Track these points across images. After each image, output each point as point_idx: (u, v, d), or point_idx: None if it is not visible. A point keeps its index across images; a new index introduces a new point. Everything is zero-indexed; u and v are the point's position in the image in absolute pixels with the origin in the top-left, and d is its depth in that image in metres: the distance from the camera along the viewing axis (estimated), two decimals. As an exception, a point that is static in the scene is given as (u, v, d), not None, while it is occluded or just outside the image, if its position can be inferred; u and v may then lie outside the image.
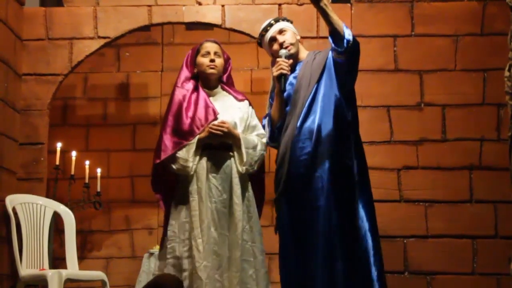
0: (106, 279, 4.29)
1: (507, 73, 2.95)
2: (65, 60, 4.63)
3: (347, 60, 3.12)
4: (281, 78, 3.20)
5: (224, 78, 3.66)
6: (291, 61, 3.26)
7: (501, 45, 4.47)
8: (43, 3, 4.98)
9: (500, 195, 4.35)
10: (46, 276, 3.91)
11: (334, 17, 3.08)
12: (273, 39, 3.33)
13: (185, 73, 3.60)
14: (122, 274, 5.58)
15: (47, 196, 4.64)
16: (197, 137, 3.44)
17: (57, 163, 5.14)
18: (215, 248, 3.36)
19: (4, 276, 4.21)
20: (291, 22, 3.42)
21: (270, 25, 3.36)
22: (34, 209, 4.31)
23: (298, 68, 3.30)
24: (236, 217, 3.39)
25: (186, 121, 3.46)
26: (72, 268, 4.29)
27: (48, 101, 4.61)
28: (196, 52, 3.60)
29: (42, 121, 4.59)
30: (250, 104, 3.64)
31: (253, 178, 3.56)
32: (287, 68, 3.20)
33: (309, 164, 3.11)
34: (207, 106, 3.48)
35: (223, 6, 4.65)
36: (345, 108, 3.17)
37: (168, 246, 3.45)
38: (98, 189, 5.35)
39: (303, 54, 3.36)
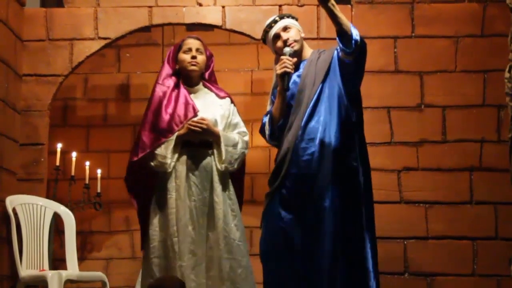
0: (106, 280, 4.29)
1: (507, 74, 2.95)
2: (66, 60, 4.63)
3: (355, 61, 3.10)
4: (284, 77, 3.16)
5: (206, 75, 3.61)
6: (295, 59, 3.22)
7: (501, 47, 4.48)
8: (43, 4, 4.98)
9: (500, 196, 4.35)
10: (46, 277, 3.91)
11: (342, 17, 3.06)
12: (277, 36, 3.30)
13: (166, 69, 3.56)
14: (122, 275, 5.58)
15: (47, 197, 4.64)
16: (176, 134, 3.40)
17: (58, 163, 5.14)
18: (192, 247, 3.31)
19: (4, 277, 4.21)
20: (296, 20, 3.38)
21: (275, 21, 3.33)
22: (34, 210, 4.31)
23: (302, 66, 3.27)
24: (217, 215, 3.36)
25: (165, 118, 3.42)
26: (72, 269, 4.29)
27: (48, 102, 4.61)
28: (178, 48, 3.56)
29: (43, 121, 4.59)
30: (232, 102, 3.60)
31: (233, 176, 3.52)
32: (291, 67, 3.16)
33: (313, 165, 3.09)
34: (187, 103, 3.44)
35: (223, 7, 4.65)
36: (350, 109, 3.15)
37: (151, 245, 3.40)
38: (99, 190, 5.34)
39: (307, 52, 3.33)
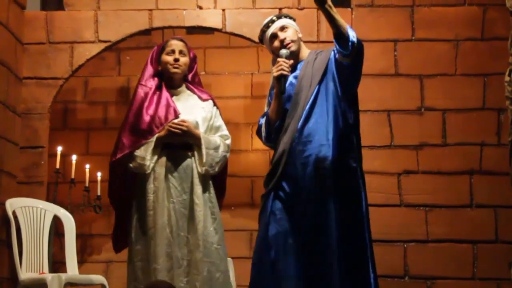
0: (106, 283, 4.28)
1: (507, 78, 2.95)
2: (66, 63, 4.64)
3: (352, 63, 3.09)
4: (281, 79, 3.14)
5: (190, 77, 3.58)
6: (292, 61, 3.20)
7: (501, 50, 4.48)
8: (44, 7, 4.98)
9: (500, 199, 4.35)
10: (45, 280, 3.91)
11: (339, 19, 3.05)
12: (274, 36, 3.27)
13: (149, 70, 3.53)
14: (122, 278, 5.52)
15: (47, 200, 4.64)
16: (156, 135, 3.38)
17: (58, 166, 5.13)
18: (169, 250, 3.29)
19: (4, 279, 4.21)
20: (294, 20, 3.36)
21: (272, 21, 3.31)
22: (34, 213, 4.31)
23: (299, 67, 3.25)
24: (197, 217, 3.32)
25: (146, 120, 3.39)
26: (72, 272, 4.29)
27: (48, 105, 4.61)
28: (161, 49, 3.53)
29: (43, 124, 4.59)
30: (215, 104, 3.56)
31: (214, 180, 3.49)
32: (287, 69, 3.14)
33: (310, 167, 3.08)
34: (168, 105, 3.42)
35: (223, 10, 4.66)
36: (347, 111, 3.14)
37: (134, 249, 3.38)
38: (99, 193, 5.33)
39: (305, 53, 3.31)
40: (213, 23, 4.66)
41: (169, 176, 3.36)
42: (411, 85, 4.52)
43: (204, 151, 3.37)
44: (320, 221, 3.04)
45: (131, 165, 3.38)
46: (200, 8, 4.68)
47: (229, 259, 4.89)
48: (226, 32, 4.69)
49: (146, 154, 3.35)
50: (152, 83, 3.49)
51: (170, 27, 4.75)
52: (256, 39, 3.74)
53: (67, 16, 4.70)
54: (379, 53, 4.55)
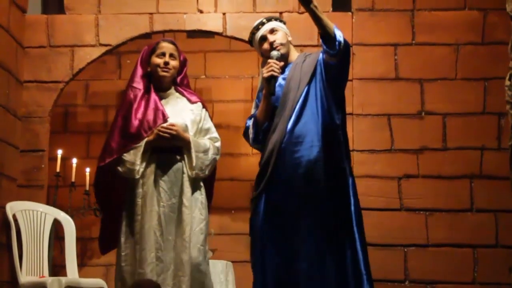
0: (106, 286, 4.28)
1: (507, 82, 2.95)
2: (67, 67, 4.64)
3: (339, 62, 3.10)
4: (271, 80, 3.14)
5: (178, 79, 3.56)
6: (282, 63, 3.21)
7: (501, 54, 4.47)
8: (45, 10, 4.99)
9: (501, 204, 4.35)
10: (46, 283, 3.90)
11: (325, 19, 3.05)
12: (263, 38, 3.27)
13: (139, 71, 3.50)
14: (122, 281, 5.57)
15: (48, 203, 4.64)
16: (145, 140, 3.35)
17: (58, 170, 5.14)
18: (159, 253, 3.28)
19: (4, 283, 4.21)
20: (284, 23, 3.36)
21: (262, 23, 3.30)
22: (34, 216, 4.31)
23: (287, 69, 3.25)
24: (185, 220, 3.30)
25: (134, 124, 3.36)
26: (72, 275, 4.29)
27: (49, 108, 4.62)
28: (152, 50, 3.50)
29: (43, 128, 4.59)
30: (204, 107, 3.55)
31: (203, 182, 3.47)
32: (278, 71, 3.14)
33: (301, 168, 3.07)
34: (156, 109, 3.39)
35: (224, 14, 4.66)
36: (335, 112, 3.15)
37: (123, 253, 3.36)
38: (99, 196, 5.34)
39: (294, 55, 3.32)
40: (213, 27, 4.66)
41: (159, 180, 3.34)
42: (412, 89, 4.52)
43: (193, 154, 3.36)
44: (312, 221, 3.03)
45: (120, 169, 3.36)
46: (201, 12, 4.69)
47: (229, 262, 4.91)
48: (226, 36, 4.69)
49: (135, 159, 3.33)
50: (141, 85, 3.46)
51: (170, 30, 4.75)
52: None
53: (68, 20, 4.70)
54: (380, 57, 4.55)
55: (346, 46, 3.07)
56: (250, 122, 3.30)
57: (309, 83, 3.17)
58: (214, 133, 3.52)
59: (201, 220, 3.36)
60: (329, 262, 3.01)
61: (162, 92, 3.48)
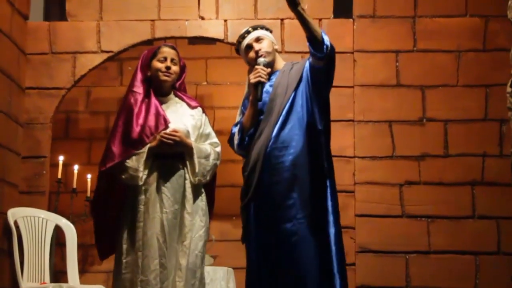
0: (107, 293, 4.28)
1: (509, 89, 2.95)
2: (68, 74, 4.65)
3: (325, 66, 3.12)
4: (258, 86, 3.17)
5: (177, 84, 3.54)
6: (269, 69, 3.23)
7: (503, 61, 4.48)
8: (47, 17, 5.01)
9: (503, 211, 4.34)
10: (47, 290, 3.91)
11: (312, 22, 3.07)
12: (249, 47, 3.29)
13: (139, 76, 3.48)
14: (123, 288, 5.56)
15: (49, 210, 4.65)
16: (147, 146, 3.31)
17: (59, 176, 5.14)
18: (162, 260, 3.25)
19: (5, 289, 4.21)
20: (271, 31, 3.38)
21: (248, 32, 3.33)
22: (35, 223, 4.31)
23: (274, 77, 3.27)
24: (186, 226, 3.29)
25: (136, 129, 3.33)
26: (73, 281, 4.28)
27: (51, 115, 4.62)
28: (153, 55, 3.48)
29: (45, 134, 4.60)
30: (203, 112, 3.55)
31: (204, 188, 3.46)
32: (265, 77, 3.17)
33: (285, 172, 3.10)
34: (158, 114, 3.37)
35: (225, 20, 4.67)
36: (318, 118, 3.16)
37: (124, 260, 3.32)
38: (100, 203, 5.33)
39: (280, 64, 3.34)
40: (215, 33, 4.67)
41: (162, 187, 3.32)
42: (413, 95, 4.53)
43: (196, 160, 3.34)
44: (296, 226, 3.06)
45: (123, 176, 3.32)
46: (202, 18, 4.70)
47: (230, 269, 4.91)
48: (228, 43, 4.70)
49: (138, 166, 3.30)
50: (141, 90, 3.44)
51: (172, 37, 4.76)
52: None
53: (70, 27, 4.72)
54: (381, 63, 4.55)
55: (333, 50, 3.10)
56: (235, 129, 3.32)
57: (295, 89, 3.20)
58: (214, 138, 3.51)
59: (201, 227, 3.35)
60: (302, 265, 3.04)
61: (162, 97, 3.47)
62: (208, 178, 3.41)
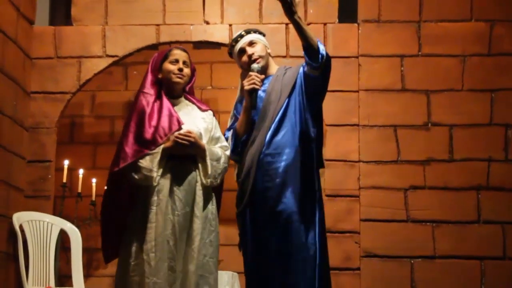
0: (111, 297, 4.28)
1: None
2: (74, 78, 4.66)
3: (321, 75, 3.11)
4: (252, 93, 3.17)
5: (187, 88, 3.51)
6: (263, 76, 3.23)
7: (508, 66, 4.49)
8: (52, 22, 5.02)
9: (508, 215, 4.33)
10: (51, 294, 3.91)
11: (308, 31, 3.06)
12: (242, 51, 3.29)
13: (150, 78, 3.45)
14: (128, 292, 5.56)
15: (54, 214, 4.65)
16: (161, 146, 3.27)
17: (64, 180, 5.15)
18: (172, 263, 3.22)
19: (10, 293, 4.22)
20: (264, 35, 3.37)
21: (241, 36, 3.32)
22: (41, 227, 4.31)
23: (267, 82, 3.27)
24: (195, 230, 3.25)
25: (149, 130, 3.29)
26: (78, 286, 4.29)
27: (56, 119, 4.63)
28: (164, 57, 3.46)
29: (50, 138, 4.61)
30: (214, 115, 3.52)
31: (213, 191, 3.44)
32: (259, 83, 3.17)
33: (280, 178, 3.11)
34: (171, 115, 3.33)
35: (230, 25, 4.68)
36: (311, 125, 3.17)
37: (132, 263, 3.26)
38: (105, 207, 5.34)
39: (273, 68, 3.33)
40: (220, 38, 4.68)
41: (174, 188, 3.30)
42: (418, 100, 4.52)
43: (209, 162, 3.33)
44: (286, 232, 3.09)
45: (136, 177, 3.27)
46: (207, 23, 4.70)
47: (235, 273, 4.90)
48: (233, 47, 4.70)
49: (152, 166, 3.26)
50: (152, 92, 3.42)
51: (177, 42, 4.76)
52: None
53: (75, 31, 4.73)
54: (386, 68, 4.55)
55: (328, 59, 3.09)
56: (229, 134, 3.33)
57: (289, 96, 3.20)
58: (224, 142, 3.49)
59: (211, 231, 3.34)
60: (294, 274, 3.06)
61: (173, 99, 3.47)
62: (218, 181, 3.39)
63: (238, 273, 4.94)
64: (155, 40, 4.70)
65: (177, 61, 3.41)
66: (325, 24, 4.62)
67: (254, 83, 3.16)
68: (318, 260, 3.10)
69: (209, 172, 3.31)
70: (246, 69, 3.27)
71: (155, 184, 3.26)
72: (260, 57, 3.26)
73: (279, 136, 3.15)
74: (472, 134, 4.46)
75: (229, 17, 4.70)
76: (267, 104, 3.21)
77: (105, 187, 3.42)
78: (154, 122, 3.31)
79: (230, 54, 3.42)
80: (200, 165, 3.33)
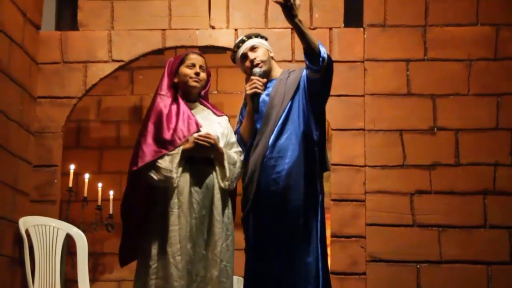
0: (117, 302, 4.28)
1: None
2: (80, 83, 4.68)
3: (322, 78, 3.11)
4: (254, 97, 3.17)
5: (203, 92, 3.53)
6: (265, 80, 3.23)
7: (514, 70, 4.48)
8: (58, 27, 5.04)
9: (514, 220, 4.32)
10: (57, 298, 3.91)
11: (309, 34, 3.06)
12: (244, 56, 3.30)
13: (166, 81, 3.45)
14: (134, 297, 5.56)
15: (60, 218, 4.66)
16: (181, 147, 3.26)
17: (70, 185, 5.16)
18: (189, 266, 3.21)
19: (16, 298, 4.22)
20: (266, 39, 3.38)
21: (242, 41, 3.33)
22: (47, 231, 4.32)
23: (270, 85, 3.27)
24: (216, 234, 3.25)
25: (168, 131, 3.28)
26: (84, 290, 4.29)
27: (62, 124, 4.64)
28: (180, 61, 3.46)
29: (56, 143, 4.62)
30: (228, 121, 3.53)
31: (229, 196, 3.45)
32: (261, 87, 3.17)
33: (283, 182, 3.11)
34: (189, 118, 3.33)
35: (236, 30, 4.68)
36: (313, 128, 3.17)
37: (153, 266, 3.23)
38: (111, 211, 5.35)
39: (277, 72, 3.33)
40: (225, 42, 4.68)
41: (192, 191, 3.27)
42: (424, 104, 4.51)
43: (227, 166, 3.33)
44: (286, 237, 3.10)
45: (155, 177, 3.23)
46: (213, 28, 4.71)
47: (240, 278, 4.88)
48: (238, 52, 4.70)
49: (172, 167, 3.23)
50: (169, 94, 3.41)
51: (183, 46, 4.77)
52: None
53: (81, 36, 4.74)
54: (392, 72, 4.55)
55: (330, 62, 3.09)
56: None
57: (292, 99, 3.20)
58: (238, 147, 3.49)
59: (228, 235, 3.33)
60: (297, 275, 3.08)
61: (189, 103, 3.46)
62: (234, 185, 3.39)
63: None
64: (161, 45, 4.71)
65: (193, 65, 3.42)
66: (330, 28, 4.63)
67: (255, 87, 3.16)
68: (321, 264, 3.10)
69: (227, 175, 3.30)
70: (250, 74, 3.28)
71: (175, 185, 3.24)
72: (262, 61, 3.27)
73: (282, 139, 3.16)
74: (478, 139, 4.45)
75: (234, 22, 4.70)
76: (271, 108, 3.22)
77: (126, 187, 3.38)
78: (172, 124, 3.30)
79: (233, 60, 3.42)
80: (217, 168, 3.33)
